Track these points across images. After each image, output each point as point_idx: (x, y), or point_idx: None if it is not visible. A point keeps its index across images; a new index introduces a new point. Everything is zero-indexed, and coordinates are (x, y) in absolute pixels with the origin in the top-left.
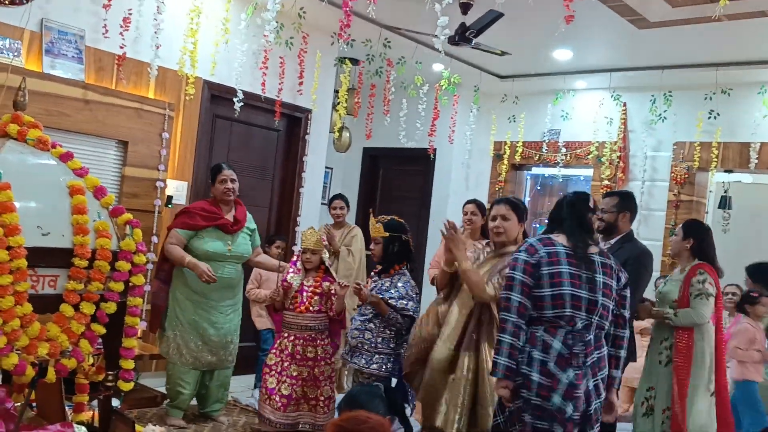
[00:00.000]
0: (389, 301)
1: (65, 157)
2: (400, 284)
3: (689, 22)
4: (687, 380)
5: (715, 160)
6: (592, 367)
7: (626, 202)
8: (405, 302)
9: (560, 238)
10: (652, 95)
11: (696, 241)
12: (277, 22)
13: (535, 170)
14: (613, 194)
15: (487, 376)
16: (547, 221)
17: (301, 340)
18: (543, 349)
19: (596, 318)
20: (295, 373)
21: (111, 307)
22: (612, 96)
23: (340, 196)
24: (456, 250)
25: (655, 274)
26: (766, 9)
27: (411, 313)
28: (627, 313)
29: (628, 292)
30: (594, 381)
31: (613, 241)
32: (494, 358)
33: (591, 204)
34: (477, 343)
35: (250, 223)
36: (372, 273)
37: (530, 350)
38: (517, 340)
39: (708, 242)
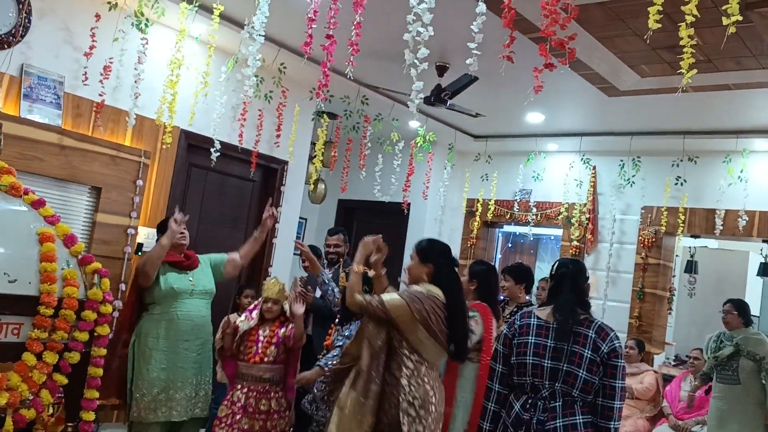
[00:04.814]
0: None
1: (37, 204)
2: (349, 330)
3: (657, 92)
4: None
5: (682, 225)
6: None
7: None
8: (334, 353)
9: (542, 312)
10: (621, 160)
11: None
12: (257, 76)
13: (507, 228)
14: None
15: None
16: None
17: (255, 392)
18: (507, 410)
19: (559, 385)
20: (246, 427)
21: (75, 357)
22: (582, 159)
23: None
24: (360, 252)
25: None
26: (730, 83)
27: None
28: (617, 384)
29: (618, 362)
30: None
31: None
32: (479, 423)
33: (585, 273)
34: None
35: (204, 258)
36: (335, 323)
37: (501, 410)
38: (499, 406)
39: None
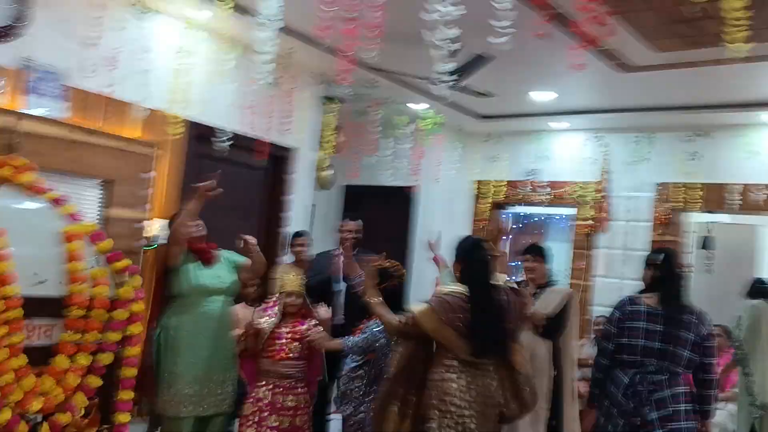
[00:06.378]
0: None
1: (59, 202)
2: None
3: (671, 67)
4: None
5: (699, 200)
6: (658, 402)
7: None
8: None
9: (650, 299)
10: (635, 136)
11: None
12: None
13: (516, 208)
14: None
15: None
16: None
17: (281, 389)
18: (615, 383)
19: (667, 363)
20: (275, 423)
21: (108, 358)
22: (595, 137)
23: (303, 233)
24: (367, 282)
25: None
26: (746, 56)
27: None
28: (712, 360)
29: (713, 343)
30: (659, 413)
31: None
32: (590, 389)
33: (680, 260)
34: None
35: (228, 255)
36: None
37: (608, 384)
38: (604, 375)
39: None
